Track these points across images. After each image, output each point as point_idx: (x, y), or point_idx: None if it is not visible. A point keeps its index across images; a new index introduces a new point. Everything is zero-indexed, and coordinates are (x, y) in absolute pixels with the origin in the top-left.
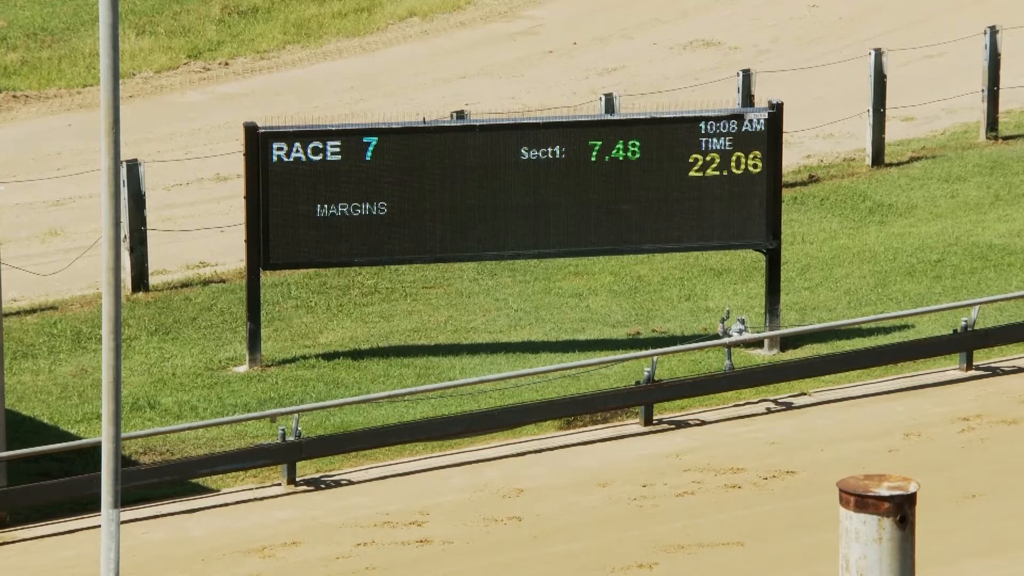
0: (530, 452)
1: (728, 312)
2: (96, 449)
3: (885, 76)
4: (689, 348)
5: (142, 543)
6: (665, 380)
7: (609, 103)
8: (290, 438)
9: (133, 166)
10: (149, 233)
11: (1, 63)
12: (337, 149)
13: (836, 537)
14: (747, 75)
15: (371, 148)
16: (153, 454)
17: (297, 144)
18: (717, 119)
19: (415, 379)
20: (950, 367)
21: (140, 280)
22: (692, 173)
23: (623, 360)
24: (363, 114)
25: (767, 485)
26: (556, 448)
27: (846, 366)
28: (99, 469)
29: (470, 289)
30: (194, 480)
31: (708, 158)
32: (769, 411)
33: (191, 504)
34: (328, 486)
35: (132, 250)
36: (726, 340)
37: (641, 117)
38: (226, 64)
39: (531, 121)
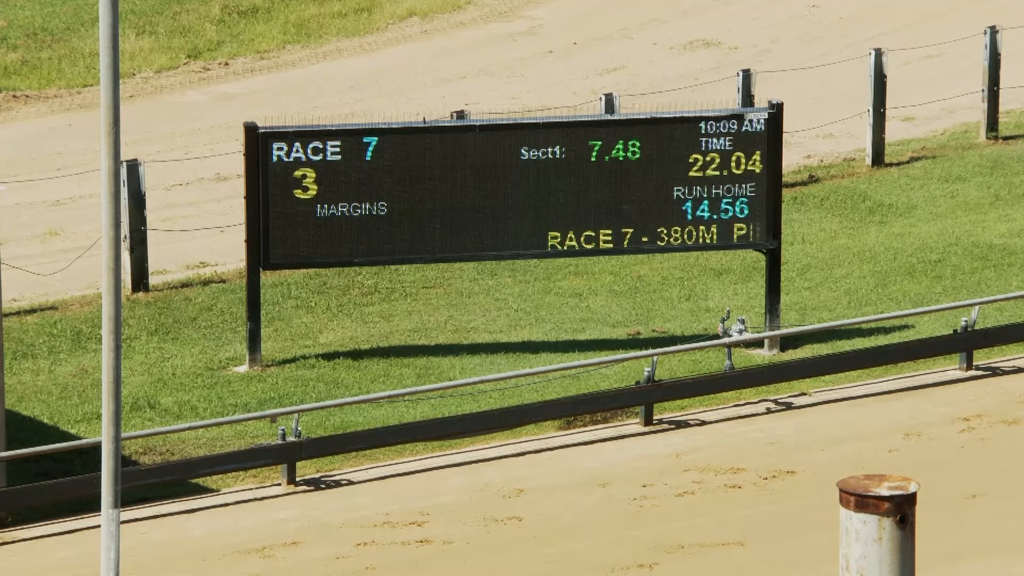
0: (530, 452)
1: (728, 312)
2: (96, 449)
3: (885, 76)
4: (689, 348)
5: (142, 543)
6: (665, 380)
7: (609, 103)
8: (290, 438)
9: (133, 166)
10: (149, 233)
11: (1, 63)
12: (337, 149)
13: (836, 537)
14: (747, 75)
15: (371, 148)
16: (153, 454)
17: (297, 144)
18: (717, 119)
19: (415, 379)
20: (950, 367)
21: (140, 280)
22: (692, 173)
23: (623, 360)
24: (363, 114)
25: (767, 485)
26: (556, 448)
27: (846, 366)
28: (99, 469)
29: (470, 289)
30: (194, 480)
31: (708, 158)
32: (769, 411)
33: (191, 504)
34: (328, 486)
35: (132, 250)
36: (726, 340)
37: (641, 117)
38: (226, 64)
39: (531, 121)
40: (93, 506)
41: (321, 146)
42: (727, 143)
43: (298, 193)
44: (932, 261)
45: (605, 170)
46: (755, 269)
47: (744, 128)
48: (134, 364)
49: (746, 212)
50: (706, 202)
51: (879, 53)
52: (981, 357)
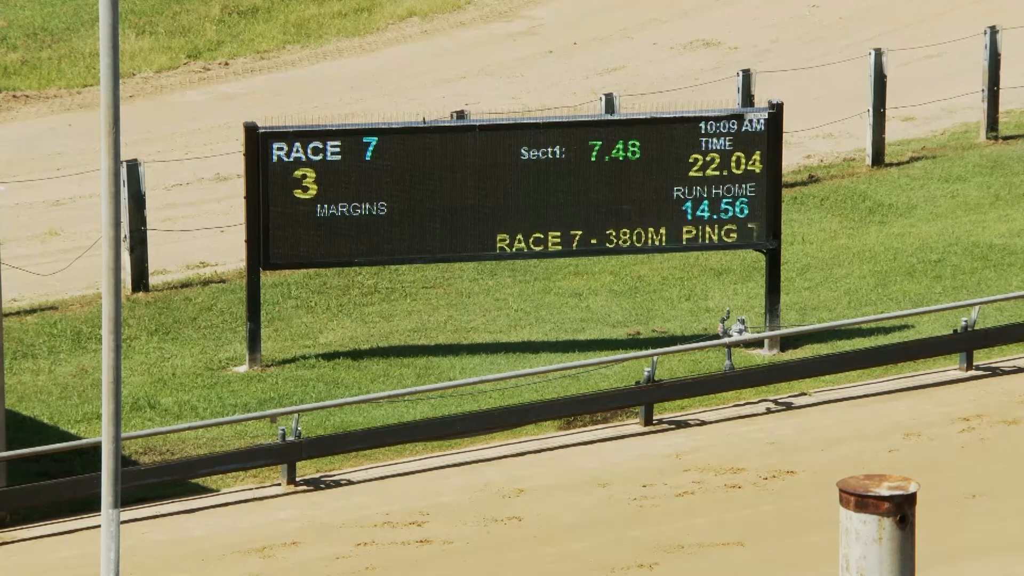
0: (530, 452)
1: (728, 312)
2: (96, 449)
3: (885, 76)
4: (689, 348)
5: (142, 543)
6: (665, 380)
7: (609, 103)
8: (290, 438)
9: (133, 166)
10: (149, 233)
11: (1, 63)
12: (337, 149)
13: (836, 537)
14: (747, 75)
15: (371, 148)
16: (153, 454)
17: (297, 144)
18: (717, 119)
19: (415, 379)
20: (950, 367)
21: (140, 280)
22: (692, 173)
23: (623, 360)
24: (363, 114)
25: (767, 485)
26: (556, 448)
27: (846, 366)
28: (99, 469)
29: (470, 289)
30: (194, 480)
31: (708, 158)
32: (769, 411)
33: (191, 504)
34: (328, 486)
35: (132, 250)
36: (726, 340)
37: (641, 117)
38: (226, 64)
39: (531, 121)
40: (93, 506)
41: (321, 146)
42: (727, 143)
43: (298, 193)
44: (932, 261)
45: (605, 170)
46: (755, 269)
47: (744, 128)
48: (134, 364)
49: (746, 212)
50: (706, 202)
51: (879, 53)
52: (981, 357)
